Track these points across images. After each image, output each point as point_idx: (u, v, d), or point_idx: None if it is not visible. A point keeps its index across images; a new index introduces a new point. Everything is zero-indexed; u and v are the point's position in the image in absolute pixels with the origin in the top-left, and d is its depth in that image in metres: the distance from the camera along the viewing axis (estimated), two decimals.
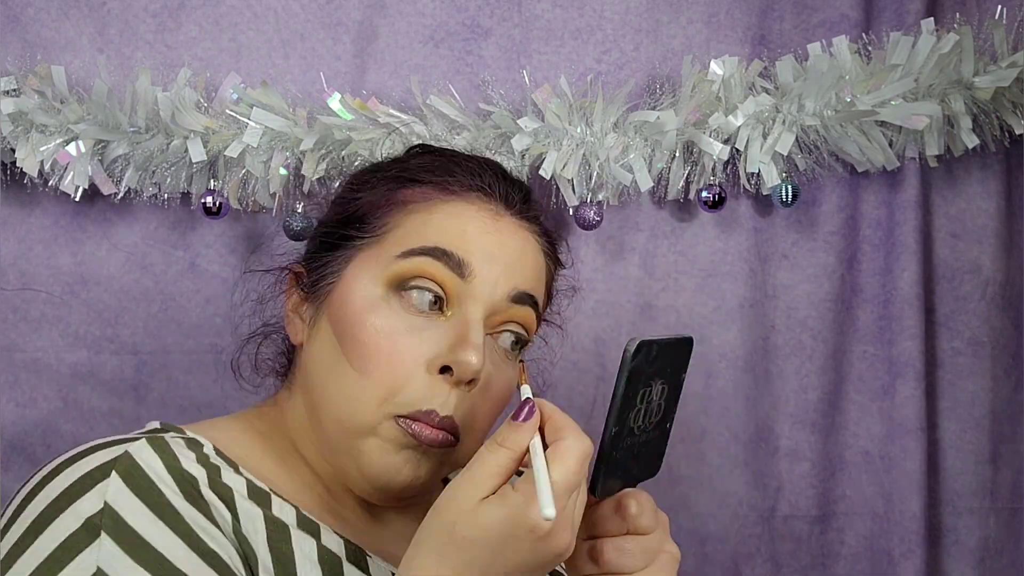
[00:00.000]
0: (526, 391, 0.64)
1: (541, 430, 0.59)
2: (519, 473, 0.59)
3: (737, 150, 1.08)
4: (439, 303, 0.68)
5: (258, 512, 0.63)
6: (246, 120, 1.03)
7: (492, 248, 0.70)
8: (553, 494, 0.53)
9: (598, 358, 1.14)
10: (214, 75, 1.08)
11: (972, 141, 1.06)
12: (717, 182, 1.09)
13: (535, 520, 0.55)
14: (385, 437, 0.66)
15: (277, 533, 0.63)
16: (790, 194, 1.08)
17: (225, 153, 1.03)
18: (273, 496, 0.65)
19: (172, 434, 0.65)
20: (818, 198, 1.14)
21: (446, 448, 0.67)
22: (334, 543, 0.66)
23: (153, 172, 1.05)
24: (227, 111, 1.04)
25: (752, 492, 1.14)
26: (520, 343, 0.72)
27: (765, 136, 1.07)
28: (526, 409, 0.59)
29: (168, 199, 1.07)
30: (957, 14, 1.09)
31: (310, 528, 0.65)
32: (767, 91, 1.08)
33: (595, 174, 1.07)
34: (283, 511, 0.65)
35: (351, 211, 0.74)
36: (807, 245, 1.15)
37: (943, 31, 1.06)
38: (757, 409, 1.14)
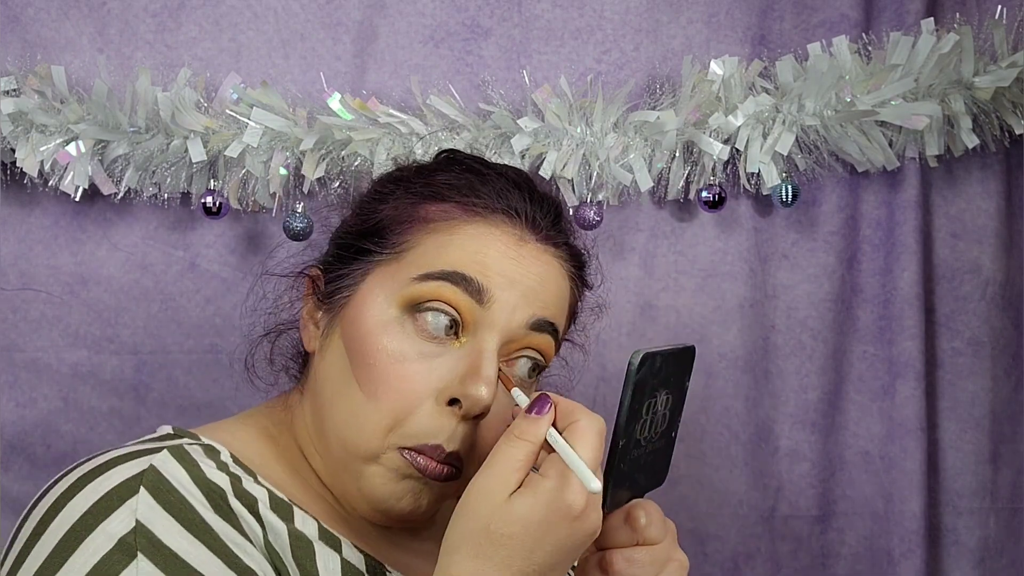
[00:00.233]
0: (519, 397, 0.64)
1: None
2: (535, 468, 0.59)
3: (737, 150, 1.08)
4: (454, 328, 0.66)
5: (282, 526, 0.62)
6: (246, 120, 1.03)
7: (513, 274, 0.68)
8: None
9: (598, 358, 1.14)
10: (214, 75, 1.08)
11: (972, 141, 1.06)
12: (717, 182, 1.09)
13: (571, 501, 0.55)
14: (388, 466, 0.66)
15: (301, 549, 0.62)
16: (790, 194, 1.08)
17: (225, 153, 1.03)
18: (295, 508, 0.64)
19: (188, 440, 0.64)
20: (818, 198, 1.14)
21: (449, 481, 0.66)
22: (355, 558, 0.65)
23: (153, 172, 1.05)
24: (227, 111, 1.04)
25: (752, 492, 1.14)
26: (537, 369, 0.71)
27: (765, 136, 1.07)
28: (539, 404, 0.59)
29: (168, 199, 1.07)
30: (957, 14, 1.09)
31: (333, 542, 0.64)
32: (767, 91, 1.08)
33: (595, 174, 1.07)
34: (305, 524, 0.64)
35: (371, 223, 0.72)
36: (807, 245, 1.15)
37: (943, 31, 1.06)
38: (757, 409, 1.14)
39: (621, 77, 1.12)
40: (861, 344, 1.15)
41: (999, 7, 1.07)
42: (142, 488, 0.57)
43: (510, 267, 0.68)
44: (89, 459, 0.61)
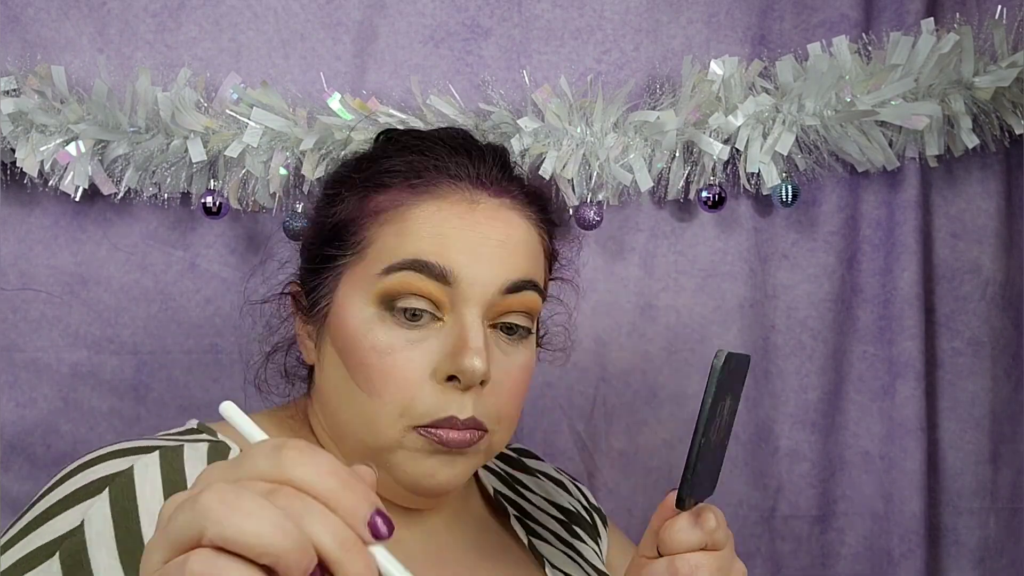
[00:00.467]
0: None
1: None
2: None
3: (737, 150, 1.08)
4: (431, 312, 0.67)
5: None
6: (246, 120, 1.03)
7: (473, 244, 0.68)
8: None
9: (598, 358, 1.14)
10: (214, 75, 1.08)
11: (972, 141, 1.06)
12: (717, 182, 1.09)
13: None
14: (411, 448, 0.67)
15: None
16: (790, 194, 1.08)
17: (225, 153, 1.03)
18: None
19: (205, 437, 0.66)
20: (818, 198, 1.14)
21: (476, 444, 0.67)
22: None
23: (153, 172, 1.05)
24: (227, 111, 1.04)
25: (752, 492, 1.14)
26: (529, 318, 0.71)
27: (765, 136, 1.07)
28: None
29: (168, 199, 1.07)
30: (957, 14, 1.09)
31: None
32: (767, 91, 1.08)
33: (595, 174, 1.07)
34: None
35: (328, 228, 0.73)
36: (807, 245, 1.15)
37: (943, 31, 1.06)
38: (757, 409, 1.14)
39: (621, 77, 1.12)
40: (861, 344, 1.15)
41: (999, 7, 1.07)
42: (107, 490, 0.60)
43: (469, 237, 0.68)
44: (101, 447, 0.64)
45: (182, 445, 0.63)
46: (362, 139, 1.03)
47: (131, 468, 0.60)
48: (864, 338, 1.15)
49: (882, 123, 1.07)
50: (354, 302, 0.69)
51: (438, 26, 1.11)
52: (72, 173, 1.02)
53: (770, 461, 1.15)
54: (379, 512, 0.39)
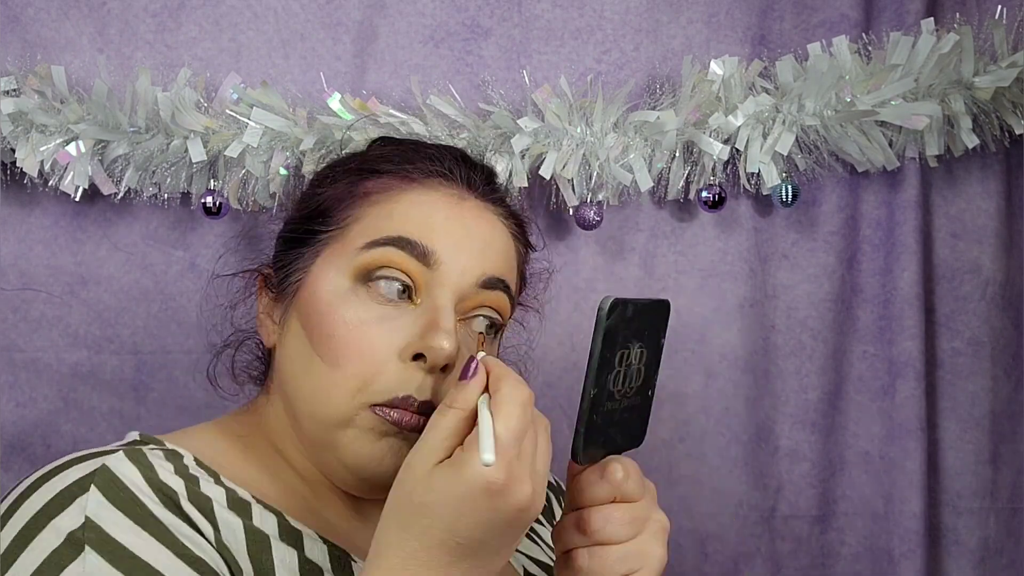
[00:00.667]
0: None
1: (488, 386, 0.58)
2: None
3: (737, 150, 1.08)
4: (407, 292, 0.67)
5: (238, 522, 0.62)
6: (246, 120, 1.03)
7: (458, 234, 0.69)
8: (497, 442, 0.53)
9: None
10: (214, 75, 1.08)
11: (972, 141, 1.06)
12: (717, 182, 1.09)
13: (485, 475, 0.53)
14: (363, 427, 0.66)
15: (257, 544, 0.62)
16: (790, 194, 1.08)
17: (225, 153, 1.03)
18: (254, 505, 0.64)
19: (151, 446, 0.65)
20: (818, 198, 1.14)
21: None
22: (318, 552, 0.65)
23: (153, 172, 1.05)
24: (227, 111, 1.04)
25: (752, 492, 1.14)
26: (494, 327, 0.71)
27: (765, 136, 1.07)
28: (471, 367, 0.59)
29: (168, 199, 1.07)
30: (957, 14, 1.09)
31: (292, 538, 0.64)
32: (767, 91, 1.08)
33: (595, 174, 1.07)
34: (264, 521, 0.64)
35: (314, 206, 0.73)
36: (807, 245, 1.15)
37: (943, 31, 1.06)
38: (757, 409, 1.14)
39: (621, 77, 1.12)
40: (861, 344, 1.15)
41: (999, 7, 1.07)
42: (93, 486, 0.58)
43: (455, 227, 0.69)
44: (52, 462, 0.62)
45: (140, 448, 0.63)
46: (362, 139, 1.03)
47: (103, 466, 0.59)
48: (864, 338, 1.15)
49: (882, 123, 1.07)
50: (329, 275, 0.69)
51: (438, 26, 1.11)
52: (72, 173, 1.02)
53: (770, 461, 1.15)
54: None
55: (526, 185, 1.05)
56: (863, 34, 1.10)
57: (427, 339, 0.65)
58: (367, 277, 0.67)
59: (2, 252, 1.08)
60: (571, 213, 1.09)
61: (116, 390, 1.09)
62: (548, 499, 0.92)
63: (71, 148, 1.02)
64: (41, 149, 1.01)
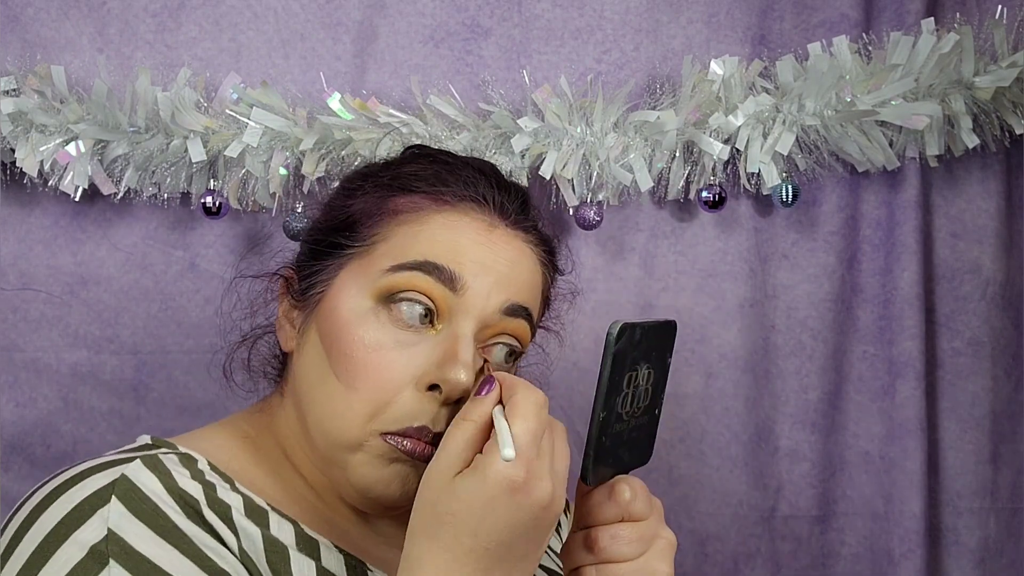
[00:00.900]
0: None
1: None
2: None
3: (737, 150, 1.08)
4: (429, 316, 0.66)
5: (256, 531, 0.62)
6: (246, 120, 1.03)
7: (485, 260, 0.68)
8: (515, 441, 0.54)
9: (598, 358, 1.14)
10: (214, 75, 1.08)
11: (972, 141, 1.06)
12: (717, 182, 1.09)
13: (505, 474, 0.54)
14: (372, 452, 0.65)
15: (276, 554, 0.62)
16: (790, 194, 1.08)
17: (225, 153, 1.03)
18: (271, 513, 0.64)
19: (164, 450, 0.64)
20: (818, 198, 1.14)
21: None
22: (334, 561, 0.65)
23: (153, 172, 1.05)
24: (227, 111, 1.04)
25: (752, 492, 1.14)
26: (514, 355, 0.71)
27: (765, 136, 1.07)
28: (485, 384, 0.60)
29: (168, 199, 1.07)
30: (957, 14, 1.09)
31: (309, 548, 0.64)
32: (767, 91, 1.08)
33: (595, 174, 1.07)
34: (281, 530, 0.64)
35: (341, 218, 0.72)
36: (807, 245, 1.15)
37: (943, 31, 1.06)
38: (757, 409, 1.14)
39: (621, 77, 1.12)
40: (861, 344, 1.15)
41: (999, 7, 1.07)
42: (113, 497, 0.57)
43: (482, 253, 0.68)
44: (65, 470, 0.61)
45: (156, 454, 0.62)
46: (362, 139, 1.03)
47: (123, 476, 0.59)
48: (864, 338, 1.15)
49: (882, 123, 1.07)
50: (352, 293, 0.68)
51: (438, 26, 1.11)
52: (72, 173, 1.02)
53: (770, 461, 1.15)
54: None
55: (526, 185, 1.05)
56: (863, 34, 1.10)
57: (444, 370, 0.64)
58: (389, 299, 0.66)
59: (2, 252, 1.08)
60: (571, 213, 1.09)
61: (116, 390, 1.09)
62: None
63: (71, 148, 1.02)
64: (41, 149, 1.01)
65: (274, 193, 1.06)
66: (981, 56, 1.05)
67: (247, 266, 0.83)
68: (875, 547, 1.14)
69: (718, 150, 1.06)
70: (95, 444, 1.08)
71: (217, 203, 1.05)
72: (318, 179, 1.05)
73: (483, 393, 0.59)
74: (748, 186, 1.10)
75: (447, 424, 0.64)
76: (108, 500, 0.57)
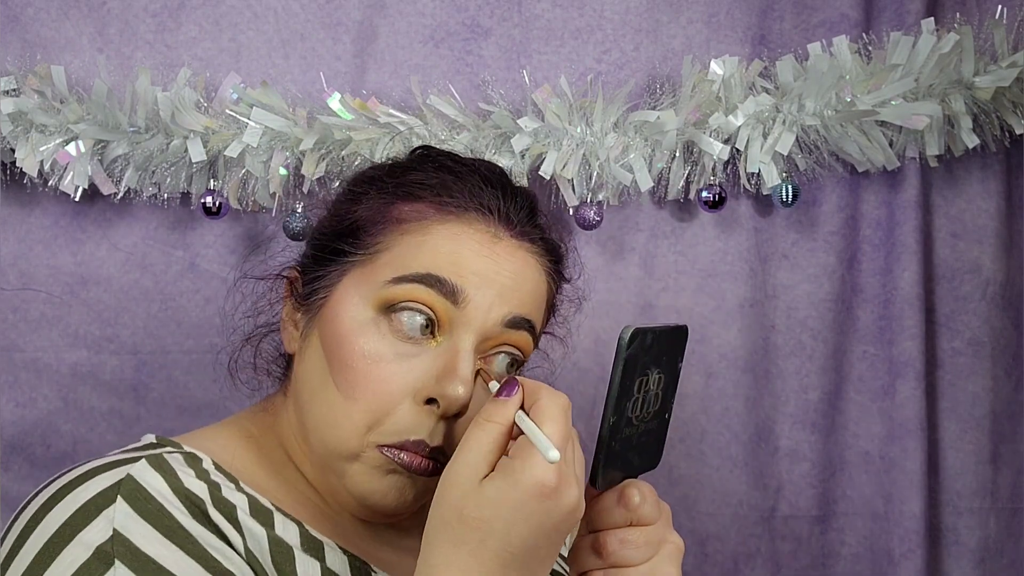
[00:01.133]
0: (495, 388, 0.64)
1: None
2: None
3: (737, 150, 1.08)
4: (430, 328, 0.66)
5: (262, 531, 0.62)
6: (246, 120, 1.03)
7: (487, 272, 0.67)
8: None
9: (598, 358, 1.14)
10: (214, 75, 1.08)
11: (972, 141, 1.06)
12: (717, 182, 1.09)
13: (540, 478, 0.54)
14: (369, 463, 0.65)
15: (281, 554, 0.62)
16: (790, 194, 1.08)
17: (225, 153, 1.03)
18: (276, 513, 0.64)
19: (169, 449, 0.64)
20: (818, 198, 1.14)
21: (434, 476, 0.65)
22: (338, 562, 0.65)
23: (153, 172, 1.05)
24: (227, 111, 1.04)
25: (752, 492, 1.14)
26: (515, 364, 0.71)
27: (765, 136, 1.07)
28: (507, 387, 0.59)
29: (168, 199, 1.07)
30: (957, 14, 1.09)
31: (314, 548, 0.64)
32: (767, 91, 1.08)
33: (595, 174, 1.07)
34: (286, 530, 0.64)
35: (346, 224, 0.72)
36: (807, 245, 1.15)
37: (943, 31, 1.06)
38: (757, 409, 1.14)
39: (621, 77, 1.12)
40: (861, 344, 1.15)
41: (999, 7, 1.07)
42: (119, 497, 0.57)
43: (484, 265, 0.68)
44: (70, 470, 0.61)
45: (161, 454, 0.62)
46: (362, 139, 1.03)
47: (128, 476, 0.59)
48: (864, 338, 1.15)
49: (882, 123, 1.07)
50: (354, 302, 0.68)
51: (438, 26, 1.11)
52: (72, 173, 1.02)
53: (770, 461, 1.15)
54: None
55: (526, 185, 1.05)
56: (863, 34, 1.10)
57: (442, 385, 0.64)
58: (390, 310, 0.66)
59: (2, 252, 1.08)
60: (571, 213, 1.09)
61: (116, 390, 1.09)
62: None
63: (71, 148, 1.02)
64: (41, 149, 1.01)
65: (274, 193, 1.06)
66: (981, 56, 1.05)
67: (250, 267, 0.83)
68: (875, 547, 1.14)
69: (718, 150, 1.06)
70: (95, 444, 1.08)
71: (217, 203, 1.05)
72: (318, 179, 1.05)
73: (504, 395, 0.59)
74: (748, 186, 1.10)
75: (444, 439, 0.65)
76: (114, 500, 0.57)
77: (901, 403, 1.12)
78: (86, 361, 1.09)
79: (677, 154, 1.09)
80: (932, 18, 1.06)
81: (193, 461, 0.63)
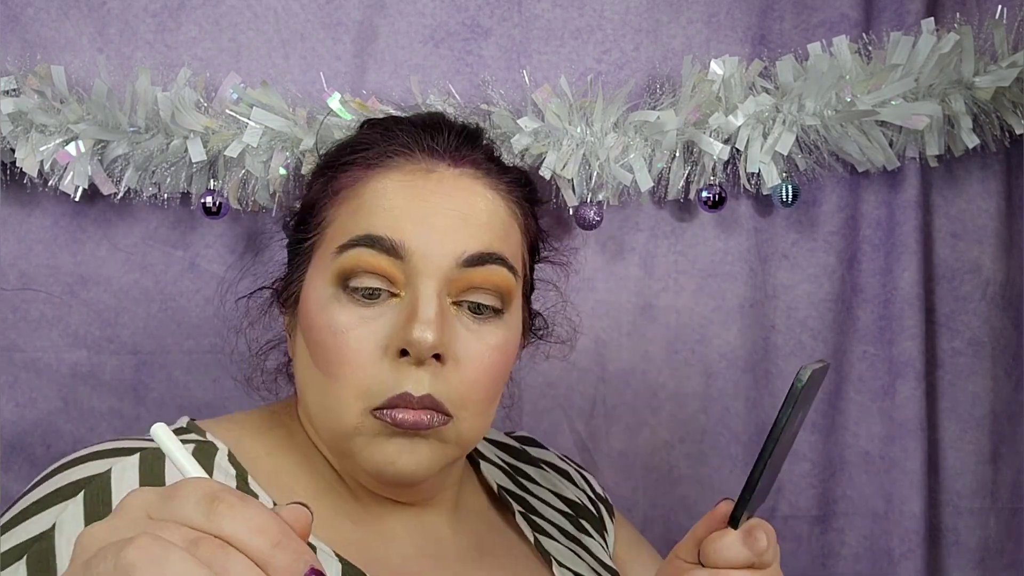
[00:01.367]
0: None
1: None
2: None
3: (737, 150, 1.08)
4: (385, 288, 0.66)
5: None
6: (246, 120, 1.03)
7: (425, 215, 0.66)
8: None
9: (598, 358, 1.14)
10: (214, 75, 1.08)
11: (972, 141, 1.06)
12: (717, 182, 1.09)
13: None
14: (370, 433, 0.65)
15: None
16: (790, 194, 1.08)
17: (225, 153, 1.03)
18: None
19: (191, 436, 0.65)
20: (818, 198, 1.14)
21: (436, 428, 0.65)
22: (333, 570, 0.63)
23: (153, 172, 1.05)
24: (227, 111, 1.04)
25: None
26: (495, 310, 0.68)
27: (765, 136, 1.07)
28: None
29: (168, 199, 1.07)
30: (957, 14, 1.09)
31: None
32: (767, 91, 1.08)
33: (595, 174, 1.07)
34: None
35: (300, 213, 0.73)
36: (807, 245, 1.15)
37: (943, 31, 1.06)
38: (757, 409, 1.14)
39: (621, 77, 1.12)
40: (861, 344, 1.15)
41: (999, 7, 1.07)
42: (81, 494, 0.58)
43: (420, 208, 0.66)
44: (91, 445, 0.63)
45: (156, 450, 0.62)
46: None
47: (108, 471, 0.59)
48: (864, 338, 1.15)
49: (882, 123, 1.07)
50: (316, 284, 0.68)
51: (438, 26, 1.11)
52: (72, 173, 1.02)
53: None
54: (313, 570, 0.38)
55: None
56: (863, 34, 1.10)
57: (407, 331, 0.63)
58: (345, 282, 0.66)
59: (2, 252, 1.08)
60: (571, 213, 1.09)
61: (116, 390, 1.09)
62: (598, 510, 0.90)
63: (71, 148, 1.02)
64: (41, 149, 1.01)
65: (274, 193, 1.06)
66: (981, 56, 1.05)
67: (242, 274, 0.83)
68: (875, 547, 1.14)
69: (718, 150, 1.06)
70: (95, 444, 1.08)
71: (217, 203, 1.05)
72: None
73: None
74: (748, 186, 1.10)
75: (429, 386, 0.64)
76: (74, 496, 0.58)
77: (901, 403, 1.12)
78: (86, 361, 1.09)
79: (677, 154, 1.09)
80: (932, 18, 1.06)
81: (204, 454, 0.63)
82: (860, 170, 1.11)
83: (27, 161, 1.01)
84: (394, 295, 0.66)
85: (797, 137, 1.06)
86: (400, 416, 0.63)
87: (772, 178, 1.08)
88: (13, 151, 1.01)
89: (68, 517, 0.57)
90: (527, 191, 0.75)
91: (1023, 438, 1.13)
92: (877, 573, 1.13)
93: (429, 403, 0.64)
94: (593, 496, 0.92)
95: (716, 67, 1.08)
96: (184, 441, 0.63)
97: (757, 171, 1.08)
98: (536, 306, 0.83)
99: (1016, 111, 1.06)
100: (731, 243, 1.14)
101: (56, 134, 1.02)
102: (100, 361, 1.09)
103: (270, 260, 1.02)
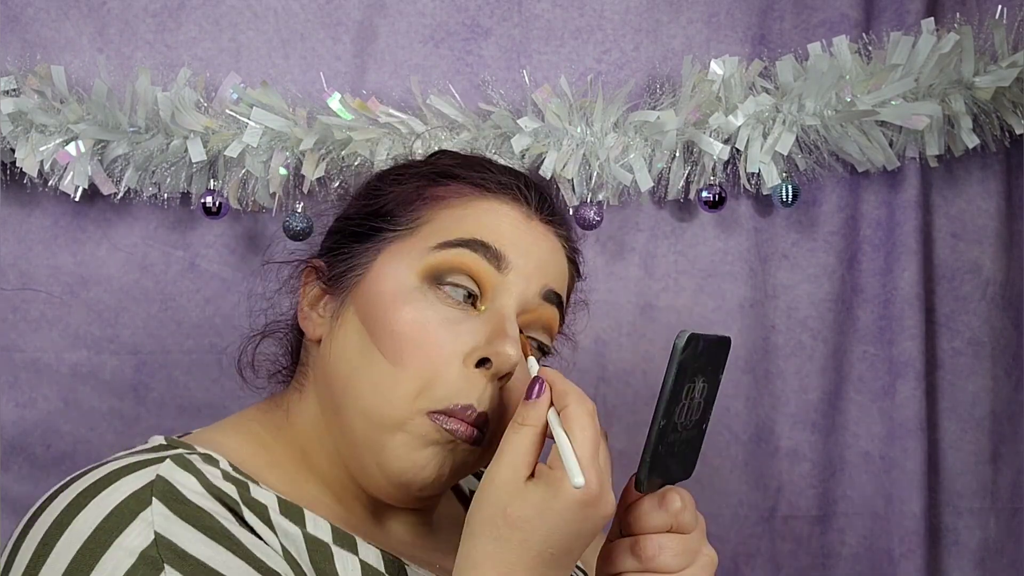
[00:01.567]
0: (533, 365, 0.65)
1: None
2: None
3: (737, 150, 1.08)
4: (473, 297, 0.67)
5: (296, 531, 0.61)
6: (246, 120, 1.03)
7: (526, 245, 0.70)
8: (580, 460, 0.56)
9: (598, 358, 1.14)
10: (214, 75, 1.08)
11: (972, 141, 1.06)
12: (717, 182, 1.09)
13: (579, 490, 0.56)
14: (414, 433, 0.65)
15: (318, 552, 0.61)
16: (790, 194, 1.08)
17: (225, 153, 1.03)
18: (306, 511, 0.64)
19: (185, 450, 0.63)
20: (818, 198, 1.14)
21: (474, 446, 0.66)
22: (372, 556, 0.64)
23: (153, 172, 1.05)
24: (227, 111, 1.04)
25: (752, 492, 1.14)
26: (542, 352, 0.73)
27: (765, 136, 1.07)
28: (536, 387, 0.61)
29: (168, 199, 1.07)
30: (957, 14, 1.09)
31: (347, 543, 0.64)
32: (767, 91, 1.08)
33: (595, 174, 1.07)
34: (318, 527, 0.63)
35: (379, 205, 0.72)
36: (807, 245, 1.15)
37: (943, 31, 1.06)
38: (757, 409, 1.14)
39: (621, 77, 1.12)
40: (861, 344, 1.15)
41: (999, 7, 1.07)
42: (154, 499, 0.56)
43: (523, 238, 0.70)
44: (88, 471, 0.59)
45: (182, 454, 0.61)
46: (362, 139, 1.03)
47: (159, 476, 0.58)
48: (864, 338, 1.15)
49: (882, 123, 1.07)
50: (397, 272, 0.68)
51: (438, 26, 1.11)
52: (72, 173, 1.02)
53: (770, 461, 1.15)
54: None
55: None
56: (863, 34, 1.10)
57: (494, 345, 0.65)
58: (437, 279, 0.67)
59: (2, 252, 1.08)
60: (571, 213, 1.09)
61: (116, 390, 1.09)
62: None
63: (71, 148, 1.02)
64: (41, 149, 1.01)
65: (274, 193, 1.06)
66: (981, 56, 1.05)
67: (268, 256, 0.82)
68: (875, 547, 1.14)
69: (718, 150, 1.06)
70: (95, 444, 1.08)
71: (217, 203, 1.05)
72: (318, 179, 1.05)
73: (533, 396, 0.60)
74: (748, 186, 1.10)
75: (490, 404, 0.66)
76: (149, 502, 0.56)
77: (901, 403, 1.12)
78: (86, 361, 1.09)
79: (677, 154, 1.09)
80: (932, 18, 1.06)
81: (211, 462, 0.62)
82: (860, 170, 1.11)
83: (27, 161, 1.01)
84: (475, 308, 0.68)
85: (797, 137, 1.06)
86: (454, 426, 0.65)
87: (772, 178, 1.08)
88: (13, 151, 1.01)
89: (163, 521, 0.55)
90: (577, 264, 0.80)
91: (1023, 438, 1.13)
92: (877, 573, 1.13)
93: (481, 422, 0.66)
94: None
95: (716, 67, 1.08)
96: (188, 454, 0.62)
97: (757, 171, 1.08)
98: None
99: (1016, 111, 1.06)
100: (731, 243, 1.14)
101: (56, 134, 1.02)
102: (100, 361, 1.09)
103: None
